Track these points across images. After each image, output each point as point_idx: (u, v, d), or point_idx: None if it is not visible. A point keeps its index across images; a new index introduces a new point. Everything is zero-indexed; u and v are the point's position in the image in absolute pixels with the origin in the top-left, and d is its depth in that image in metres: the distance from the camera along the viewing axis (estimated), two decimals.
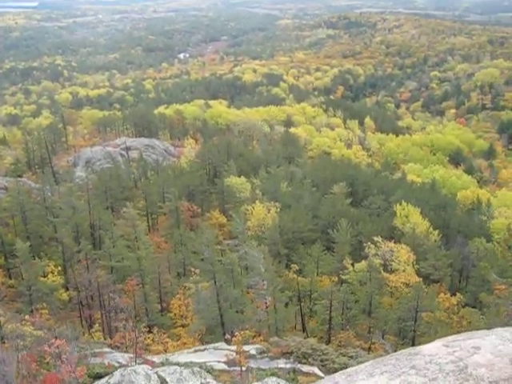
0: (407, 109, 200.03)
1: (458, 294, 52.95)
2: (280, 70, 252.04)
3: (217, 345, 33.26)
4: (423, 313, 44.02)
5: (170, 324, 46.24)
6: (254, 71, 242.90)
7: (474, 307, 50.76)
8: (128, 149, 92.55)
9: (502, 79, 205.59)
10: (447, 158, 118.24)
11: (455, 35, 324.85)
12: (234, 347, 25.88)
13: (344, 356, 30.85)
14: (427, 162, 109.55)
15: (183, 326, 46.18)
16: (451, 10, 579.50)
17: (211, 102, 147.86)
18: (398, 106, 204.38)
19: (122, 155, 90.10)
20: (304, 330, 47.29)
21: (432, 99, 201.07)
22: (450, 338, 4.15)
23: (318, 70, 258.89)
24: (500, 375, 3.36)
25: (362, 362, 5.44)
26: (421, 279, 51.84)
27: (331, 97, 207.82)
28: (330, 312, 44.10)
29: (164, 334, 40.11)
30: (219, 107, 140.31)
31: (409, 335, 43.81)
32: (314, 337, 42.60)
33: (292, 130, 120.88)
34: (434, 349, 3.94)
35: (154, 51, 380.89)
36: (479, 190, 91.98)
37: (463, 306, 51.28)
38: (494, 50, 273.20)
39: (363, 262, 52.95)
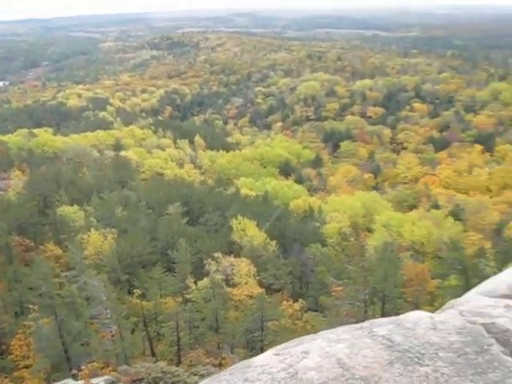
0: (235, 125, 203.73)
1: (300, 300, 54.50)
2: (105, 93, 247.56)
3: (64, 382, 31.82)
4: (269, 322, 44.81)
5: (12, 367, 43.53)
6: (79, 96, 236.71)
7: (316, 311, 52.63)
8: None
9: (322, 91, 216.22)
10: (277, 170, 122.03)
11: (276, 51, 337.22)
12: (81, 382, 24.90)
13: (195, 375, 30.68)
14: (258, 175, 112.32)
15: (26, 367, 43.53)
16: (271, 27, 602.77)
17: (36, 131, 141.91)
18: (226, 123, 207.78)
19: None
20: (153, 354, 46.44)
21: (258, 114, 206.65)
22: (280, 346, 4.22)
23: (144, 91, 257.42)
24: (328, 375, 3.48)
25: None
26: (263, 290, 52.78)
27: (159, 118, 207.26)
28: (178, 333, 43.66)
29: (6, 378, 37.72)
30: (45, 135, 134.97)
31: (257, 346, 44.40)
32: (164, 360, 41.94)
33: (122, 153, 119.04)
34: (265, 359, 3.98)
35: None
36: (310, 198, 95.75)
37: (306, 311, 52.88)
38: (313, 64, 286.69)
39: (205, 279, 53.04)
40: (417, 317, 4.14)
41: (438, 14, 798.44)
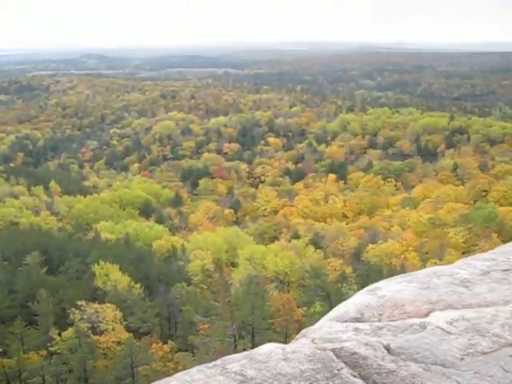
0: (91, 168, 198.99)
1: (169, 341, 53.80)
2: None
3: None
4: (139, 367, 43.88)
5: None
6: None
7: (186, 351, 52.10)
8: None
9: (178, 130, 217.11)
10: (137, 211, 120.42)
11: (129, 92, 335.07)
12: None
13: None
14: (118, 217, 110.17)
15: None
16: (122, 68, 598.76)
17: None
18: (81, 167, 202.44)
19: None
20: None
21: (114, 156, 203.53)
22: None
23: None
24: None
25: None
26: (131, 334, 51.68)
27: (11, 164, 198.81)
28: None
29: None
30: None
31: None
32: None
33: None
34: None
35: None
36: (172, 237, 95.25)
37: (176, 352, 52.24)
38: (167, 104, 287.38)
39: (70, 329, 51.05)
40: (269, 349, 4.16)
41: (285, 50, 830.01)
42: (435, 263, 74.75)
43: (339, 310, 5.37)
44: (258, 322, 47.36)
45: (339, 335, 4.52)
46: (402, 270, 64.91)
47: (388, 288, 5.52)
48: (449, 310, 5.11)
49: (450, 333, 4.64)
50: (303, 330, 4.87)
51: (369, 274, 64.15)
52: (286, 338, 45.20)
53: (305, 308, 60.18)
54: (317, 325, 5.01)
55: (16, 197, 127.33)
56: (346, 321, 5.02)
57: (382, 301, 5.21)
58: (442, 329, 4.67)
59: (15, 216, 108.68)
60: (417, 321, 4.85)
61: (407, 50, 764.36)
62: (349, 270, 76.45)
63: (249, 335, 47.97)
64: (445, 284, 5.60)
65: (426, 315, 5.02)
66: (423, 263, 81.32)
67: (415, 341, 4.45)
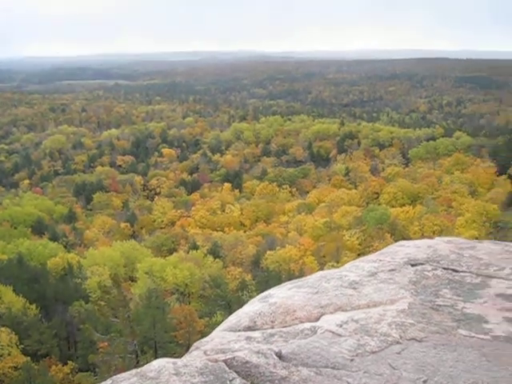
0: None
1: (69, 362, 52.31)
2: None
3: None
4: None
5: None
6: None
7: (87, 371, 50.79)
8: None
9: (69, 144, 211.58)
10: (30, 230, 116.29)
11: (16, 106, 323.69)
12: None
13: None
14: (10, 237, 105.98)
15: None
16: (8, 81, 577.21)
17: None
18: None
19: None
20: None
21: (3, 173, 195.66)
22: None
23: None
24: None
25: None
26: (29, 358, 49.87)
27: None
28: None
29: None
30: None
31: None
32: None
33: None
34: None
35: None
36: (68, 254, 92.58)
37: (77, 372, 50.86)
38: (57, 117, 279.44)
39: None
40: (159, 365, 4.09)
41: (176, 61, 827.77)
42: (332, 266, 76.58)
43: (232, 319, 5.37)
44: (159, 335, 46.86)
45: (231, 345, 4.51)
46: (301, 275, 65.96)
47: (279, 295, 5.57)
48: (339, 313, 5.21)
49: (340, 335, 4.73)
50: (196, 343, 4.83)
51: (268, 281, 64.71)
52: (187, 350, 44.94)
53: (206, 318, 60.04)
54: (209, 336, 4.99)
55: None
56: (239, 330, 5.03)
57: (274, 308, 5.25)
58: (332, 332, 4.76)
59: None
60: (308, 325, 4.92)
61: (297, 58, 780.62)
62: (249, 277, 77.00)
63: (151, 350, 47.36)
64: (334, 287, 5.71)
65: (317, 319, 5.11)
66: (321, 266, 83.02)
67: (306, 345, 4.51)
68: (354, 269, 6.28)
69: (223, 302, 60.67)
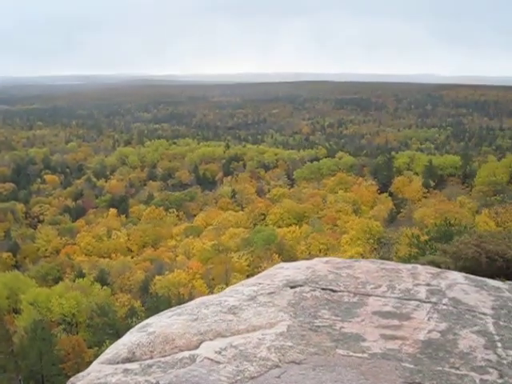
0: None
1: None
2: None
3: None
4: None
5: None
6: None
7: None
8: None
9: None
10: None
11: None
12: None
13: None
14: None
15: None
16: None
17: None
18: None
19: None
20: None
21: None
22: None
23: None
24: None
25: None
26: None
27: None
28: None
29: None
30: None
31: None
32: None
33: None
34: None
35: None
36: None
37: None
38: None
39: None
40: None
41: (57, 85, 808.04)
42: (222, 288, 76.68)
43: (110, 351, 5.24)
44: (47, 368, 45.15)
45: (108, 379, 4.40)
46: (191, 298, 65.59)
47: (158, 323, 5.50)
48: (218, 339, 5.20)
49: (219, 362, 4.71)
50: (71, 378, 4.67)
51: (158, 306, 63.88)
52: None
53: (96, 348, 58.38)
54: (86, 370, 4.84)
55: None
56: (117, 362, 4.91)
57: (153, 337, 5.17)
58: (211, 359, 4.74)
59: None
60: (187, 354, 4.88)
61: (180, 82, 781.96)
62: (138, 304, 75.85)
63: None
64: (213, 313, 5.69)
65: (197, 347, 5.07)
66: (211, 290, 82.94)
67: (184, 375, 4.46)
68: (234, 293, 6.29)
69: (112, 330, 59.21)
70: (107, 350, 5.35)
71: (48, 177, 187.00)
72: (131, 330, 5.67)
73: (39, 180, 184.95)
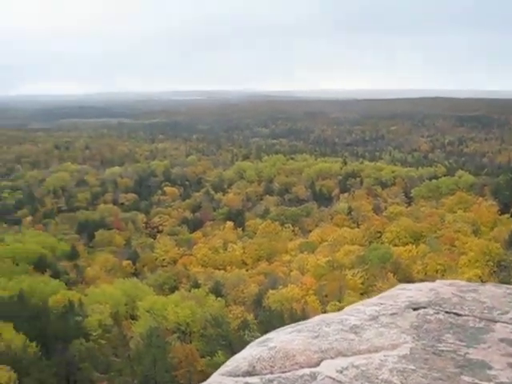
0: None
1: None
2: None
3: None
4: None
5: None
6: None
7: None
8: None
9: (72, 181, 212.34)
10: (32, 266, 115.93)
11: (21, 144, 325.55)
12: None
13: None
14: (12, 273, 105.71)
15: None
16: (12, 119, 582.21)
17: None
18: None
19: None
20: None
21: (5, 209, 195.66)
22: None
23: None
24: None
25: None
26: None
27: None
28: None
29: None
30: None
31: None
32: None
33: None
34: None
35: None
36: (69, 292, 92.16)
37: None
38: (61, 155, 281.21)
39: None
40: None
41: (178, 100, 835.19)
42: (335, 305, 76.13)
43: (231, 364, 5.28)
44: (160, 375, 46.39)
45: None
46: (303, 315, 65.72)
47: (278, 339, 5.50)
48: (339, 358, 5.13)
49: (340, 381, 4.65)
50: None
51: (271, 320, 64.34)
52: None
53: (208, 358, 59.45)
54: (207, 381, 4.91)
55: None
56: (238, 375, 4.95)
57: (273, 352, 5.18)
58: (332, 378, 4.68)
59: None
60: (307, 371, 4.84)
61: (298, 97, 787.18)
62: (250, 317, 76.47)
63: None
64: (335, 331, 5.63)
65: (317, 364, 5.03)
66: (323, 306, 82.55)
67: None
68: (355, 312, 6.21)
69: (224, 341, 60.15)
70: (227, 363, 5.40)
71: (168, 189, 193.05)
72: (251, 344, 5.70)
73: (160, 192, 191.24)
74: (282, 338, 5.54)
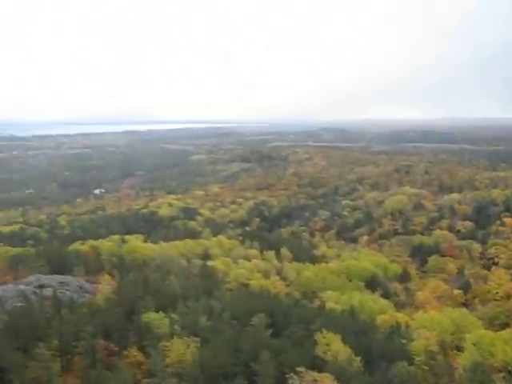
0: (322, 237, 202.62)
1: None
2: (196, 203, 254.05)
3: None
4: None
5: None
6: (170, 205, 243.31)
7: None
8: (42, 286, 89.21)
9: (409, 205, 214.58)
10: (363, 284, 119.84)
11: (363, 165, 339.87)
12: None
13: None
14: (344, 288, 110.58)
15: None
16: (357, 141, 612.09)
17: (127, 237, 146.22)
18: (312, 235, 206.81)
19: (35, 293, 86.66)
20: None
21: (345, 227, 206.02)
22: None
23: (233, 202, 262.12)
24: None
25: None
26: None
27: (247, 229, 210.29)
28: None
29: None
30: (135, 242, 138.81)
31: None
32: None
33: (209, 263, 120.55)
34: None
35: (70, 187, 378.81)
36: (397, 313, 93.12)
37: None
38: (400, 178, 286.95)
39: None
40: None
41: None
42: None
43: None
44: None
45: None
46: None
47: None
48: None
49: None
50: None
51: None
52: None
53: None
54: None
55: (249, 259, 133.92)
56: None
57: None
58: None
59: (246, 278, 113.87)
60: None
61: None
62: None
63: None
64: None
65: None
66: None
67: None
68: None
69: None
70: None
71: (507, 220, 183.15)
72: None
73: (498, 222, 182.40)
74: None
